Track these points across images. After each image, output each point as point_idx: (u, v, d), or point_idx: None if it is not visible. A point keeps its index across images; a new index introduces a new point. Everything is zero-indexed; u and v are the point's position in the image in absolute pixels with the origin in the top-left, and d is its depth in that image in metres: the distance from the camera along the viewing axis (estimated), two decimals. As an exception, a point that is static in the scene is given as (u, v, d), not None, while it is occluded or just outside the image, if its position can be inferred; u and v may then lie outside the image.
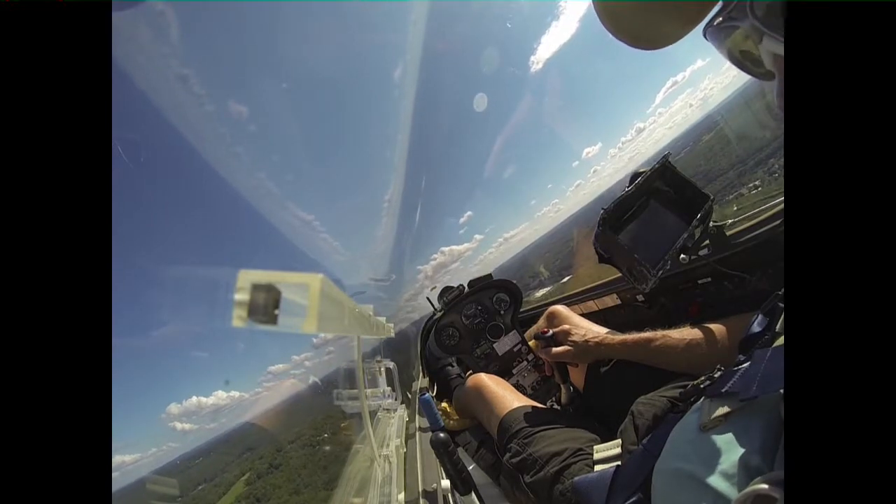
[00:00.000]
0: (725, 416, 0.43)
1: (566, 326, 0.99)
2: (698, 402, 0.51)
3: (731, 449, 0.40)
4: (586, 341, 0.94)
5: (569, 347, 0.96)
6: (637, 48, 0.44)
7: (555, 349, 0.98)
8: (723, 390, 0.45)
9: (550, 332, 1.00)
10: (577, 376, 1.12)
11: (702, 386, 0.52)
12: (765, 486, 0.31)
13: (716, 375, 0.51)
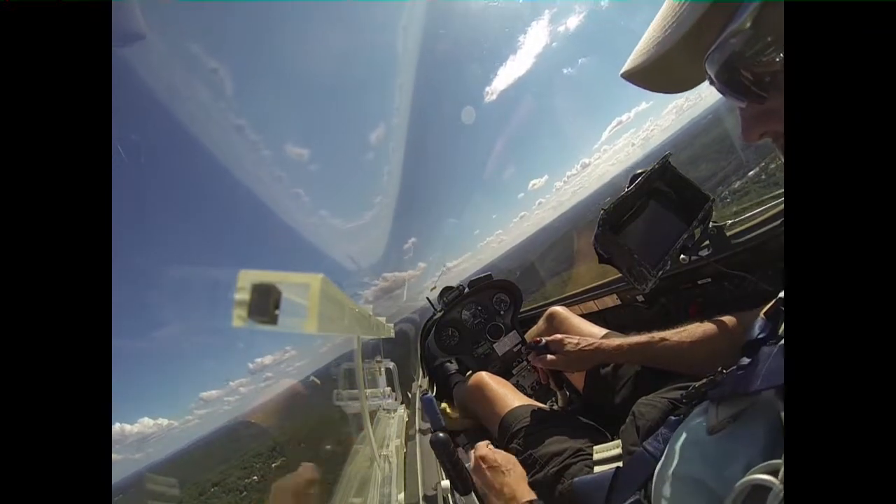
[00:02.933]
0: (733, 416, 0.43)
1: (558, 336, 0.98)
2: (702, 406, 0.51)
3: (738, 452, 0.40)
4: (580, 349, 0.92)
5: (562, 356, 0.95)
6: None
7: (549, 357, 0.97)
8: (728, 391, 0.45)
9: (543, 341, 0.99)
10: (578, 377, 1.12)
11: (703, 390, 0.52)
12: (760, 476, 0.32)
13: (718, 379, 0.51)
